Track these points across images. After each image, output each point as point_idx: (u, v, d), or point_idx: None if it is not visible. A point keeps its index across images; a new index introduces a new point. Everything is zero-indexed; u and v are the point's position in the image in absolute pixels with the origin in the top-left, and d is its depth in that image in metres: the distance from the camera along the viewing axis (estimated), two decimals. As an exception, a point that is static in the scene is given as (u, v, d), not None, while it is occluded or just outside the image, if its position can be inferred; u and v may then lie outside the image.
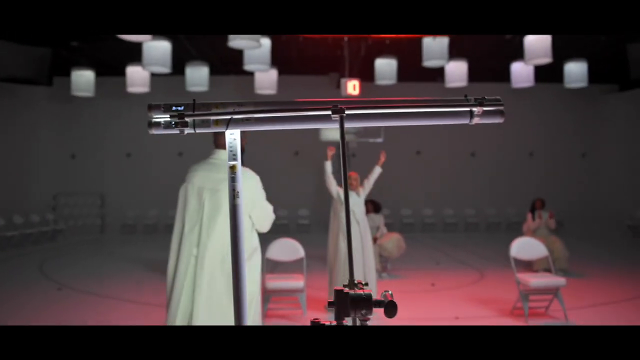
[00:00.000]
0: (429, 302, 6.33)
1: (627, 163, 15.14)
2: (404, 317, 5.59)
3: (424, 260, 9.70)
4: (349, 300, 1.30)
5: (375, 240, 7.81)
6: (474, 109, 1.64)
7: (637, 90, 14.94)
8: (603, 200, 15.68)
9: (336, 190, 5.93)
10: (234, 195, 1.75)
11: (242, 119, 1.75)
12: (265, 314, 5.36)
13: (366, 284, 1.45)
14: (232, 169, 1.81)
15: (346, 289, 1.33)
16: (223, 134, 3.53)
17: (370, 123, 1.74)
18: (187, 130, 1.74)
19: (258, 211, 3.08)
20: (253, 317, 3.05)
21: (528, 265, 7.98)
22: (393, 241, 7.83)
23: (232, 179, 1.78)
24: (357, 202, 5.94)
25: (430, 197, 15.75)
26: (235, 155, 1.82)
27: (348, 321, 1.33)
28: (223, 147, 3.07)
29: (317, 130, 12.88)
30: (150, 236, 14.04)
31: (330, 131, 13.00)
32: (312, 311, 5.73)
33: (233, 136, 1.82)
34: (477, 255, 10.18)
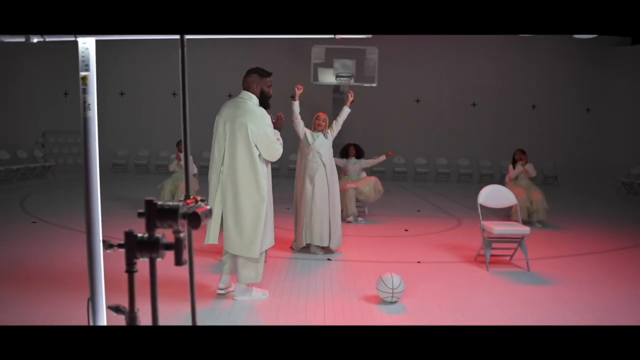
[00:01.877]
0: (397, 247, 6.32)
1: (631, 120, 14.74)
2: (367, 259, 5.60)
3: (405, 208, 9.67)
4: (156, 212, 1.23)
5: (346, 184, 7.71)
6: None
7: (648, 44, 14.33)
8: (603, 156, 15.41)
9: (303, 131, 5.80)
10: (84, 107, 1.66)
11: (93, 24, 1.64)
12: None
13: (202, 200, 1.38)
14: (84, 79, 1.71)
15: (157, 201, 1.26)
16: (246, 76, 3.98)
17: (218, 33, 1.62)
18: (35, 38, 1.63)
19: (261, 142, 3.82)
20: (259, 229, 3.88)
21: (508, 215, 7.93)
22: (370, 184, 7.76)
23: (83, 90, 1.69)
24: (325, 144, 5.81)
25: (426, 146, 15.57)
26: (87, 65, 1.72)
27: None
28: (245, 88, 3.98)
29: (310, 75, 12.60)
30: (141, 176, 14.13)
31: (324, 75, 12.72)
32: (277, 250, 5.76)
33: (85, 45, 1.71)
34: (461, 204, 10.13)
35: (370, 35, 1.51)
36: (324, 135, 5.82)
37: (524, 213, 7.60)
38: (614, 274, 5.19)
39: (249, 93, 3.96)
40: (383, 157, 8.17)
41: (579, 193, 13.04)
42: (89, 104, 1.52)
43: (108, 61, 14.30)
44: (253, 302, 4.07)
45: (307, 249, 5.80)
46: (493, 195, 5.64)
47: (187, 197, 1.35)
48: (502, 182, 12.65)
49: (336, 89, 13.10)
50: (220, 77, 15.15)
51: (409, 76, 15.47)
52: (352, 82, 12.63)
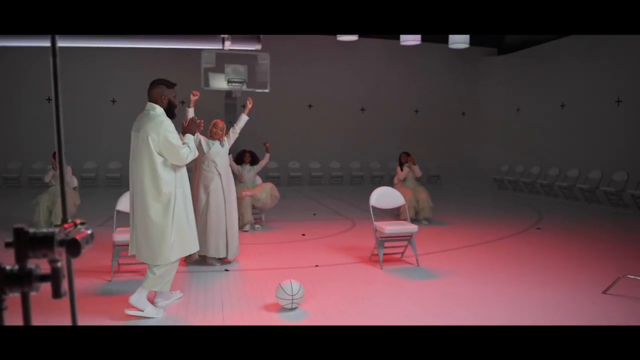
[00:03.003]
0: (295, 252, 6.36)
1: (499, 123, 16.35)
2: (266, 267, 5.57)
3: (302, 212, 9.80)
4: (28, 239, 1.10)
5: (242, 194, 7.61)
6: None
7: (512, 55, 16.00)
8: (477, 155, 16.91)
9: (197, 138, 5.60)
10: None
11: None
12: (115, 270, 5.05)
13: (82, 224, 1.26)
14: None
15: (28, 228, 1.13)
16: (151, 87, 3.80)
17: (93, 42, 1.51)
18: None
19: (163, 148, 3.85)
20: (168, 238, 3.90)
21: (397, 215, 8.36)
22: (266, 190, 7.74)
23: None
24: (220, 153, 5.68)
25: (319, 150, 15.93)
26: None
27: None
28: (152, 100, 3.99)
29: (201, 80, 12.27)
30: (11, 191, 12.75)
31: (215, 80, 12.45)
32: (170, 264, 5.50)
33: None
34: (354, 206, 10.50)
35: (259, 47, 1.50)
36: (220, 143, 5.69)
37: (411, 212, 8.08)
38: (494, 263, 5.70)
39: (152, 104, 4.00)
40: (267, 155, 7.98)
41: (458, 190, 14.17)
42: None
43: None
44: (143, 315, 3.89)
45: (202, 261, 5.62)
46: (383, 197, 5.92)
47: (64, 220, 1.23)
48: (390, 183, 13.35)
49: (228, 94, 12.90)
50: (102, 83, 14.21)
51: (300, 82, 15.73)
52: (244, 87, 12.52)
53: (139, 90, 13.46)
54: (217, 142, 5.71)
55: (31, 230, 1.10)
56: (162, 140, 3.84)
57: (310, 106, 16.14)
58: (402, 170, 8.54)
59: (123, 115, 14.01)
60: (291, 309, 4.08)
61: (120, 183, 13.69)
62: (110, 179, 13.69)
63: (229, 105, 13.14)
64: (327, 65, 15.93)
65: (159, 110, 4.00)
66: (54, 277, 1.13)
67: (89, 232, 1.16)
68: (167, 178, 3.88)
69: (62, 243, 1.10)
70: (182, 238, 3.97)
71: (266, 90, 12.72)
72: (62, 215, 1.25)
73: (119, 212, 5.10)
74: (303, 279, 4.78)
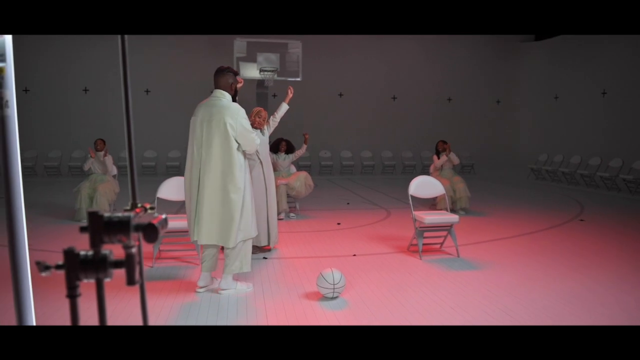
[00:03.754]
0: (332, 241, 6.33)
1: (536, 111, 15.89)
2: (304, 255, 5.55)
3: (335, 201, 9.75)
4: (102, 224, 1.07)
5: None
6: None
7: (551, 40, 15.48)
8: (513, 144, 16.49)
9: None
10: (1, 104, 1.44)
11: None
12: (156, 256, 5.11)
13: (152, 208, 1.24)
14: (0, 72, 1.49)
15: (104, 213, 1.10)
16: (221, 75, 4.21)
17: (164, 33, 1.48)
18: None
19: (240, 134, 3.98)
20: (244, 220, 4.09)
21: (433, 204, 8.24)
22: (300, 179, 7.71)
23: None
24: (262, 141, 5.69)
25: (350, 139, 15.82)
26: (2, 55, 1.50)
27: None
28: (221, 87, 4.13)
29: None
30: (52, 179, 13.11)
31: (247, 69, 12.46)
32: (209, 252, 5.54)
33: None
34: (388, 195, 10.37)
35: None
36: (262, 132, 5.70)
37: (448, 201, 7.92)
38: (538, 255, 5.53)
39: (222, 91, 4.12)
40: (304, 146, 8.02)
41: (493, 180, 13.86)
42: (7, 101, 1.32)
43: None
44: (237, 294, 4.17)
45: (241, 248, 5.63)
46: (422, 185, 5.80)
47: (134, 205, 1.20)
48: (423, 172, 13.14)
49: (260, 83, 12.91)
50: (136, 74, 14.40)
51: (331, 70, 15.62)
52: (276, 76, 12.50)
53: (172, 81, 13.64)
54: (258, 130, 5.71)
55: (106, 214, 1.08)
56: (239, 126, 3.98)
57: (341, 95, 16.03)
58: (438, 158, 8.37)
59: (157, 105, 14.21)
60: (332, 298, 4.05)
61: (156, 171, 13.92)
62: (146, 167, 13.93)
63: (261, 94, 13.15)
64: (358, 54, 15.76)
65: (228, 97, 4.14)
66: (128, 264, 1.10)
67: (163, 216, 1.13)
68: (240, 163, 4.03)
69: (138, 228, 1.07)
70: (245, 221, 4.11)
71: (298, 79, 12.67)
72: (131, 200, 1.21)
73: (159, 199, 5.16)
74: (342, 267, 4.75)
